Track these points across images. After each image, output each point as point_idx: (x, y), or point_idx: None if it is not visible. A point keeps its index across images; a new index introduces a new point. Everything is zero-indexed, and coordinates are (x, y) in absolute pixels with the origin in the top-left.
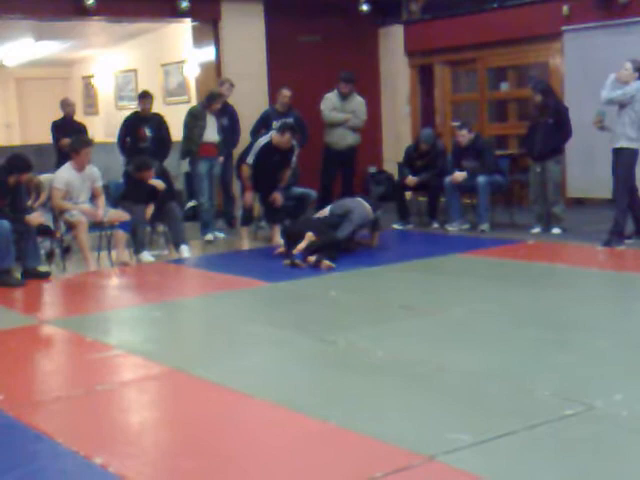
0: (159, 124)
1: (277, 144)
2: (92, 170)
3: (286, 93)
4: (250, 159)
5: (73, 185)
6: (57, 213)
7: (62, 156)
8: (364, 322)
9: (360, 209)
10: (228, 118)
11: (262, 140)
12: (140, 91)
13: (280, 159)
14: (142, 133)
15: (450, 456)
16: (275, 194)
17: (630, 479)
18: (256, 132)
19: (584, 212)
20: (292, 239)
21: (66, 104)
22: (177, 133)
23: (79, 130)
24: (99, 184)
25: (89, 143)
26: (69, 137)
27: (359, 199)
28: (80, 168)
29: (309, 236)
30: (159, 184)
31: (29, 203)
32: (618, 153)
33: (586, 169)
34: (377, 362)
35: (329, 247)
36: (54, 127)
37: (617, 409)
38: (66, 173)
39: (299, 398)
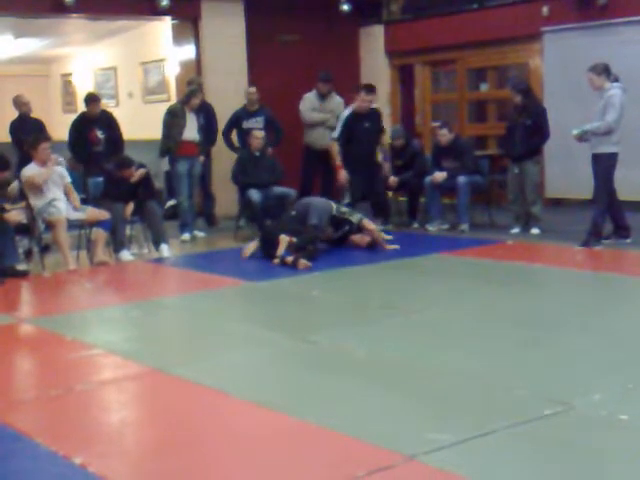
0: (109, 122)
1: (359, 108)
2: (57, 169)
3: (252, 90)
4: (336, 133)
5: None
6: (35, 211)
7: (24, 156)
8: (345, 322)
9: (317, 200)
10: (204, 116)
11: (345, 112)
12: (87, 94)
13: (369, 125)
14: (94, 136)
15: (430, 456)
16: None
17: (609, 479)
18: (227, 133)
19: (562, 212)
20: (268, 243)
21: (20, 103)
22: (157, 132)
23: (38, 127)
24: (68, 180)
25: (46, 138)
26: (28, 135)
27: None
28: (42, 164)
29: (283, 239)
30: (139, 173)
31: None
32: (599, 156)
33: (564, 169)
34: (358, 362)
35: (309, 244)
36: (12, 127)
37: (596, 409)
38: (31, 170)
39: (280, 398)
